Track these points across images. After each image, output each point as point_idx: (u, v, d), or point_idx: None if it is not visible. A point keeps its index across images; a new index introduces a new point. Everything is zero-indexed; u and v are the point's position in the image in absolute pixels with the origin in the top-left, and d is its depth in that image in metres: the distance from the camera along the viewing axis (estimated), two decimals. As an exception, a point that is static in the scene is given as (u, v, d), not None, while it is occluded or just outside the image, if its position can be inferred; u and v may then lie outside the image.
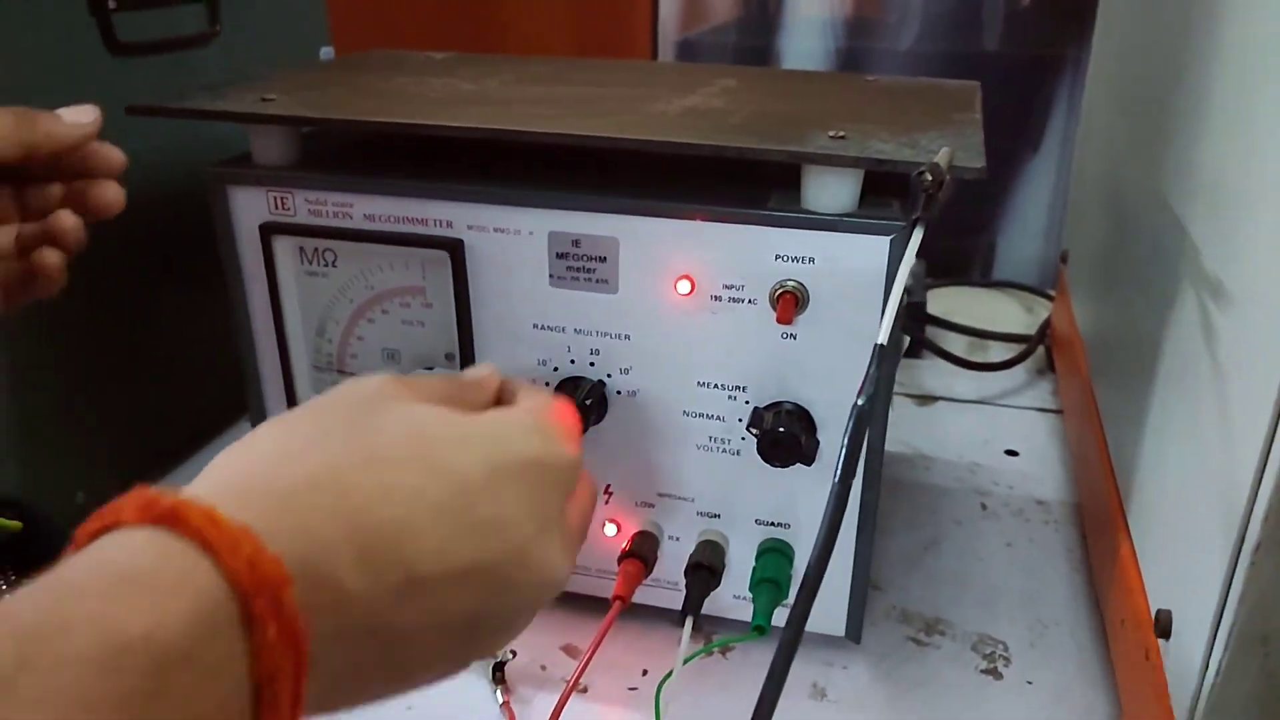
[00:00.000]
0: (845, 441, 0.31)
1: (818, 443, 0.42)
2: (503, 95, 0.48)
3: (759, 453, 0.41)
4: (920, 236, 0.35)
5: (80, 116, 0.38)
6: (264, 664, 0.21)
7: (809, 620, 0.32)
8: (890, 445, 0.66)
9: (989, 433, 0.68)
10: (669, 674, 0.39)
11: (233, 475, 0.25)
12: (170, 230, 0.56)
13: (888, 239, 0.38)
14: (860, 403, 0.32)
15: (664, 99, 0.47)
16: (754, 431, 0.41)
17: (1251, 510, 0.29)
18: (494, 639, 0.29)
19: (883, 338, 0.33)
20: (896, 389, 0.74)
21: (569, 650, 0.47)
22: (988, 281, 0.95)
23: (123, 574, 0.20)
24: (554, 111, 0.45)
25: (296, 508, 0.24)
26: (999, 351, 0.80)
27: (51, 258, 0.38)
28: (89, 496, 0.55)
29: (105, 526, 0.22)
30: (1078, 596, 0.51)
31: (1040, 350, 0.77)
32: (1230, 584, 0.30)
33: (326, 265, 0.45)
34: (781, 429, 0.40)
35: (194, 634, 0.20)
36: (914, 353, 0.77)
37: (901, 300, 0.34)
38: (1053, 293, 0.80)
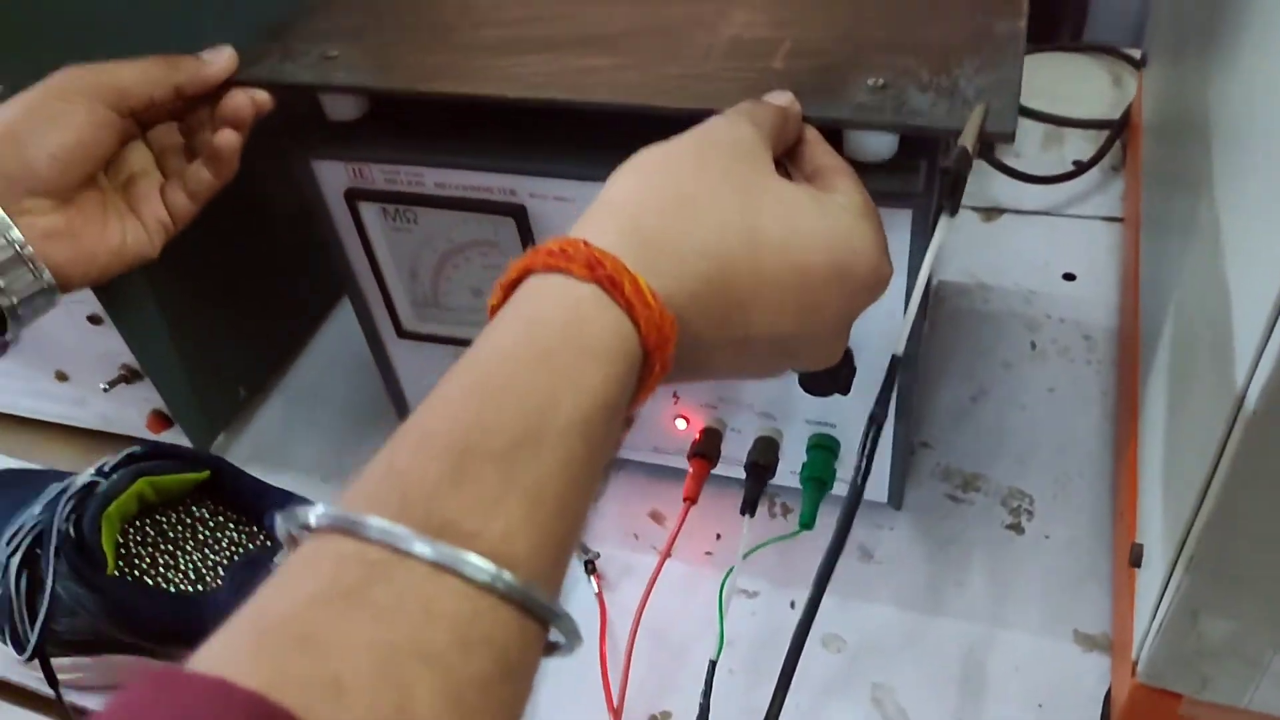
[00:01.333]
0: (865, 448, 0.36)
1: (854, 371, 0.47)
2: (550, 34, 0.48)
3: (800, 384, 0.47)
4: (947, 225, 0.37)
5: (218, 58, 0.46)
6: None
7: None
8: (951, 274, 0.70)
9: (1050, 251, 0.70)
10: (730, 570, 0.48)
11: (633, 221, 0.31)
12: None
13: (909, 211, 0.41)
14: (874, 411, 0.37)
15: (707, 21, 0.47)
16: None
17: (1217, 464, 0.33)
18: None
19: (899, 349, 0.37)
20: (964, 202, 0.75)
21: (655, 516, 0.57)
22: (1076, 45, 0.90)
23: (583, 344, 0.27)
24: (602, 61, 0.45)
25: (689, 274, 0.30)
26: (1074, 142, 0.79)
27: (229, 138, 0.46)
28: (249, 391, 0.66)
29: (527, 272, 0.29)
30: (1105, 447, 0.57)
31: (1119, 145, 0.76)
32: (1183, 545, 0.35)
33: (409, 222, 0.50)
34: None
35: (623, 395, 0.27)
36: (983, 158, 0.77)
37: (930, 283, 0.38)
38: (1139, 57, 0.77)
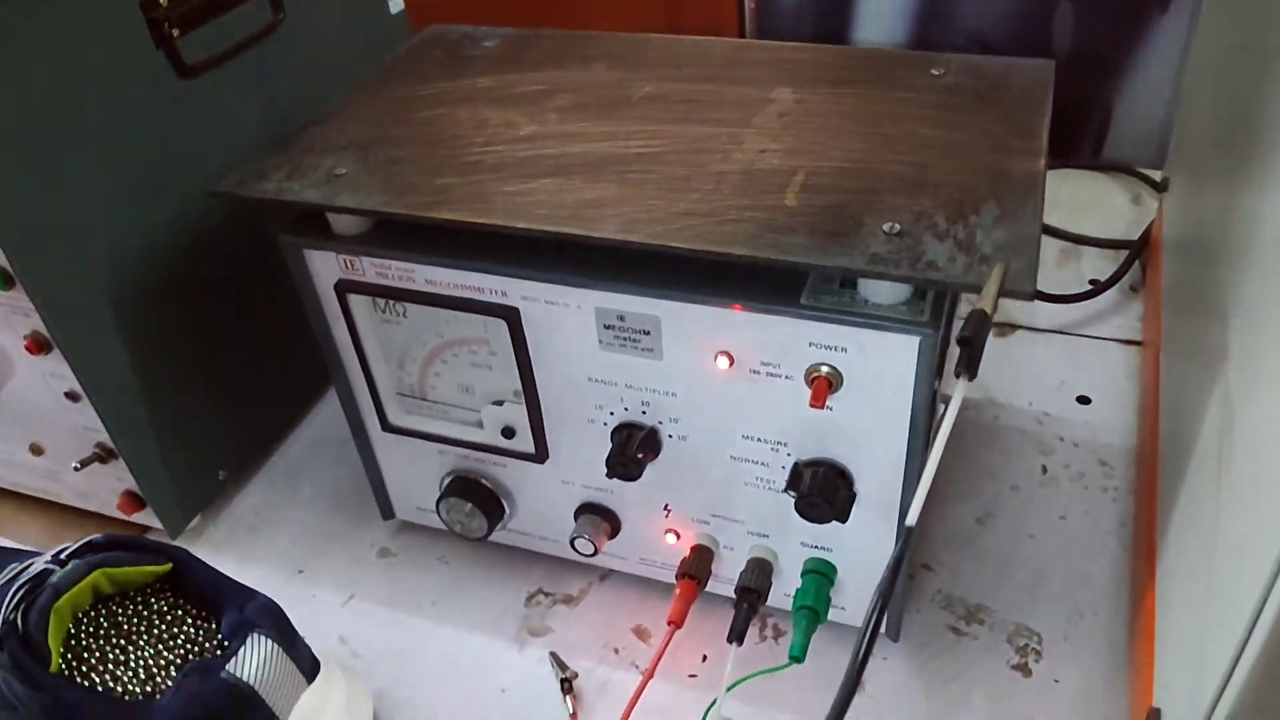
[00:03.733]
0: (869, 620, 0.34)
1: (854, 497, 0.45)
2: (561, 155, 0.46)
3: (796, 510, 0.44)
4: (964, 388, 0.35)
5: None
6: None
7: (852, 614, 0.45)
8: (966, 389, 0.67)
9: (1066, 371, 0.68)
10: (714, 702, 0.45)
11: None
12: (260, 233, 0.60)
13: (916, 339, 0.39)
14: (883, 585, 0.34)
15: (721, 149, 0.45)
16: (791, 493, 0.44)
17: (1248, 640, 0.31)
18: None
19: (912, 519, 0.34)
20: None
21: (639, 632, 0.54)
22: (1096, 164, 0.89)
23: None
24: (610, 191, 0.43)
25: None
26: (1091, 261, 0.78)
27: None
28: (229, 474, 0.64)
29: None
30: (1120, 582, 0.54)
31: (1138, 265, 0.74)
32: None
33: (399, 316, 0.49)
34: (816, 495, 0.43)
35: None
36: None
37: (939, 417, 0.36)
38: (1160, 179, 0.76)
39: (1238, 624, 0.29)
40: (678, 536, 0.52)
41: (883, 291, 0.39)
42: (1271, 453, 0.30)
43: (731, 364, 0.43)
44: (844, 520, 0.44)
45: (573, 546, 0.52)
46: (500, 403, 0.50)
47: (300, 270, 0.49)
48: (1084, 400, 0.66)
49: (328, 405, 0.70)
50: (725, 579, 0.51)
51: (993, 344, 0.71)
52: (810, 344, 0.41)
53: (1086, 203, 0.84)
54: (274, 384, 0.66)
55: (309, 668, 0.46)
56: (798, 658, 0.46)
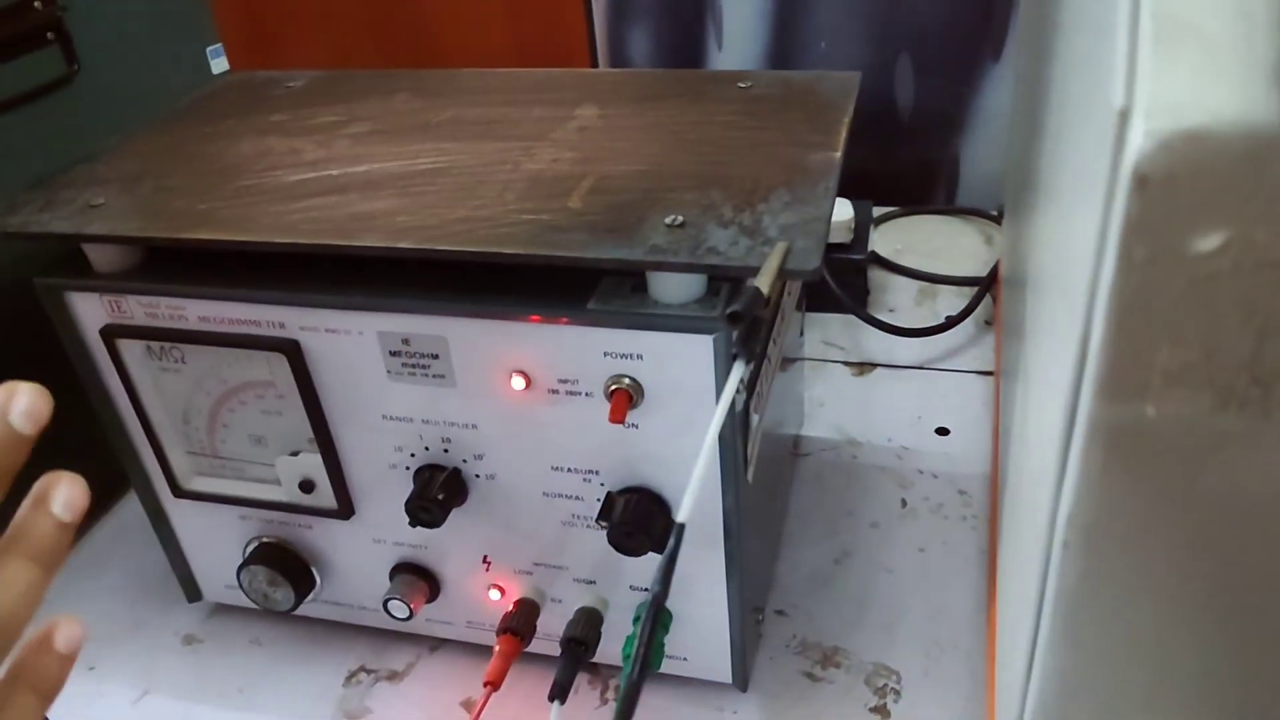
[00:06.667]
0: (642, 633, 0.30)
1: (671, 525, 0.41)
2: (342, 175, 0.44)
3: (609, 541, 0.41)
4: (741, 370, 0.33)
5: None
6: None
7: (695, 665, 0.42)
8: (820, 429, 0.65)
9: (923, 406, 0.66)
10: (531, 769, 0.40)
11: None
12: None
13: (710, 337, 0.36)
14: (656, 590, 0.30)
15: (512, 160, 0.43)
16: (603, 524, 0.41)
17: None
18: None
19: (683, 516, 0.31)
20: (836, 356, 0.72)
21: (468, 706, 0.49)
22: (949, 208, 0.90)
23: None
24: (387, 204, 0.41)
25: None
26: (947, 298, 0.77)
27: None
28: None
29: None
30: (980, 610, 0.51)
31: (989, 298, 0.74)
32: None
33: (176, 362, 0.45)
34: (630, 524, 0.40)
35: None
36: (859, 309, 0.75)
37: (747, 439, 0.33)
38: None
39: (1024, 634, 0.26)
40: (502, 592, 0.47)
41: (671, 289, 0.37)
42: (1032, 454, 0.28)
43: (528, 384, 0.40)
44: (661, 550, 0.40)
45: (387, 610, 0.47)
46: (296, 453, 0.45)
47: (61, 316, 0.44)
48: (942, 431, 0.64)
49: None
50: (559, 637, 0.47)
51: (850, 383, 0.69)
52: (605, 353, 0.38)
53: (941, 246, 0.84)
54: (69, 467, 0.60)
55: (63, 768, 0.40)
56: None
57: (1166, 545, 0.22)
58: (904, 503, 0.58)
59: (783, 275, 0.33)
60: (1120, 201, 0.17)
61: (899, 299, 0.78)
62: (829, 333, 0.75)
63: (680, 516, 0.30)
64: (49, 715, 0.40)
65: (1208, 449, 0.20)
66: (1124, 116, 0.17)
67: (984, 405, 0.66)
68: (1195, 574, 0.23)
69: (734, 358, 0.32)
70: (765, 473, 0.47)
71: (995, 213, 0.87)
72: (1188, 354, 0.18)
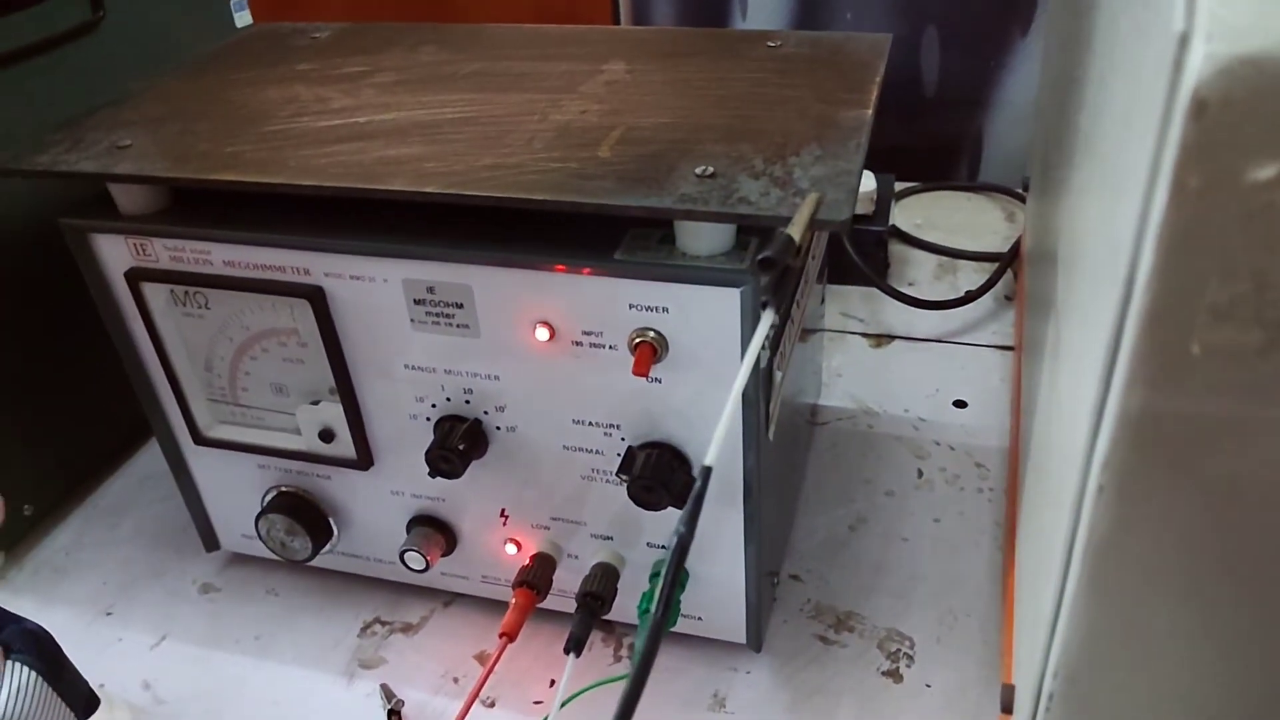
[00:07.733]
0: (667, 573, 0.30)
1: (692, 480, 0.41)
2: (369, 123, 0.44)
3: (629, 495, 0.41)
4: (770, 319, 0.32)
5: None
6: None
7: (710, 625, 0.42)
8: (839, 399, 0.65)
9: (941, 378, 0.66)
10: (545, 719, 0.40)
11: None
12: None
13: (738, 290, 0.36)
14: (682, 531, 0.30)
15: (540, 110, 0.43)
16: (623, 478, 0.40)
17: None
18: None
19: (711, 459, 0.31)
20: (854, 328, 0.72)
21: (482, 659, 0.49)
22: (971, 185, 0.89)
23: None
24: (414, 150, 0.41)
25: None
26: (967, 274, 0.77)
27: None
28: (37, 510, 0.57)
29: None
30: (994, 581, 0.51)
31: (1010, 274, 0.74)
32: (1041, 684, 0.29)
33: (200, 307, 0.45)
34: (649, 478, 0.40)
35: None
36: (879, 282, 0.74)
37: (771, 392, 0.33)
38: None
39: (1050, 593, 0.26)
40: (518, 546, 0.47)
41: (700, 241, 0.36)
42: (1062, 428, 0.28)
43: (552, 335, 0.39)
44: (681, 505, 0.40)
45: (403, 562, 0.47)
46: (317, 401, 0.45)
47: (86, 258, 0.44)
48: (960, 404, 0.64)
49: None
50: (574, 594, 0.47)
51: (868, 354, 0.69)
52: (630, 305, 0.38)
53: (963, 221, 0.84)
54: (94, 410, 0.61)
55: (82, 704, 0.40)
56: (639, 665, 0.41)
57: (1203, 492, 0.22)
58: (920, 473, 0.58)
59: (814, 225, 0.33)
60: (1176, 128, 0.17)
61: (919, 273, 0.77)
62: (848, 305, 0.74)
63: (708, 460, 0.30)
64: (69, 655, 0.40)
65: (1253, 392, 0.20)
66: (1183, 41, 0.17)
67: (1003, 380, 0.66)
68: (1230, 524, 0.22)
69: (763, 305, 0.31)
70: (785, 436, 0.47)
71: (1019, 190, 0.86)
72: (1238, 287, 0.18)
